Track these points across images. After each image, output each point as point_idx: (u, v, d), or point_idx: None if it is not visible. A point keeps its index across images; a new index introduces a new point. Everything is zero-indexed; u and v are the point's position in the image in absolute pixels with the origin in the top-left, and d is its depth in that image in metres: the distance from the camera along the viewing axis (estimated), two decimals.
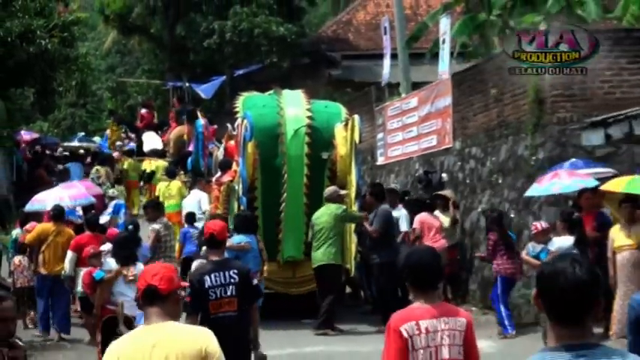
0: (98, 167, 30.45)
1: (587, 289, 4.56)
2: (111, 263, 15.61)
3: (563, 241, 14.87)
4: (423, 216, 20.27)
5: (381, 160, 29.00)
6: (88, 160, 36.17)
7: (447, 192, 21.45)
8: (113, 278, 15.14)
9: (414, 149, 26.29)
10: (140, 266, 15.12)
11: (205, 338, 6.62)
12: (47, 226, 19.50)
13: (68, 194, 21.95)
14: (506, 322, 17.57)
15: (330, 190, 18.51)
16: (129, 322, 14.56)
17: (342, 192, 18.64)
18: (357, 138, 19.47)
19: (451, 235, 20.80)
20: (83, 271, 16.33)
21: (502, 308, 17.75)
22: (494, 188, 21.49)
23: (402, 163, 27.23)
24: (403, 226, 20.03)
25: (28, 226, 20.68)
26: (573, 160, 17.86)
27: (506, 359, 14.98)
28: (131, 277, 14.79)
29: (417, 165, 25.94)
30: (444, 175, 23.40)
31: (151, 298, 6.66)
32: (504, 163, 20.98)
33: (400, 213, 20.35)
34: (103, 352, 13.80)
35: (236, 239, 17.00)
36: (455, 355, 7.05)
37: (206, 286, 10.34)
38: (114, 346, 6.65)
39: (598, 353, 4.67)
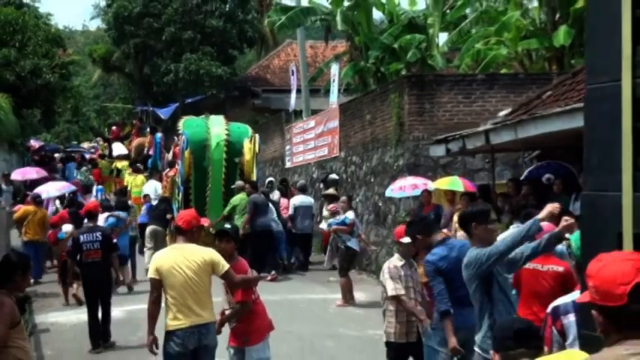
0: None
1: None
2: (68, 227, 17.54)
3: (348, 214, 16.21)
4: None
5: (288, 165, 28.80)
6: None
7: (330, 191, 21.15)
8: (69, 237, 16.61)
9: (311, 157, 26.14)
10: None
11: (212, 252, 7.90)
12: (29, 207, 20.39)
13: (56, 187, 24.14)
14: None
15: (239, 183, 19.42)
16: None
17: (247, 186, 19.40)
18: (257, 149, 20.55)
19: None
20: (49, 232, 18.64)
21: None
22: (368, 185, 21.36)
23: (303, 167, 27.05)
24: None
25: (14, 208, 21.20)
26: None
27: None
28: None
29: (314, 168, 25.78)
30: (334, 175, 23.24)
31: (177, 231, 8.15)
32: (375, 167, 20.85)
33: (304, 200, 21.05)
34: (60, 278, 16.50)
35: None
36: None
37: (81, 241, 12.58)
38: (158, 254, 8.28)
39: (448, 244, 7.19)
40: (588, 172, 4.72)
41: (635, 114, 4.08)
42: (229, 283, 8.03)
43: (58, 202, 23.54)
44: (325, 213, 20.15)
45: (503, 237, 6.64)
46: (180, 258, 7.86)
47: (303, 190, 21.50)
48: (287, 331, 12.50)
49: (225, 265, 7.84)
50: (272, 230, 19.14)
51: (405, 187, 17.19)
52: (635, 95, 4.11)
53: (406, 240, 8.47)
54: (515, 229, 6.51)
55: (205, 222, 8.79)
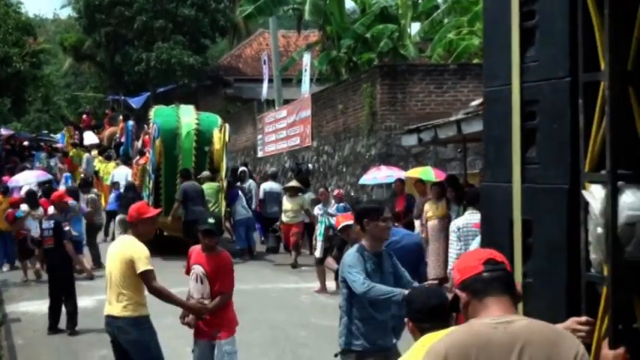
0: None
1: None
2: (25, 207, 18.11)
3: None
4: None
5: (260, 154, 28.77)
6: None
7: (292, 183, 21.02)
8: (26, 216, 17.86)
9: (283, 147, 26.12)
10: (40, 209, 17.78)
11: (135, 249, 7.62)
12: None
13: (34, 175, 24.76)
14: None
15: (205, 173, 19.56)
16: (33, 240, 17.11)
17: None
18: (227, 138, 20.48)
19: (297, 215, 19.58)
20: (8, 211, 18.45)
21: None
22: (340, 175, 21.38)
23: (275, 157, 27.03)
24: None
25: None
26: None
27: None
28: (36, 216, 17.27)
29: (286, 158, 25.77)
30: (310, 165, 23.25)
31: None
32: (347, 157, 20.88)
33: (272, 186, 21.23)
34: (19, 255, 18.24)
35: None
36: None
37: (43, 228, 13.51)
38: (110, 245, 8.26)
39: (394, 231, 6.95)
40: (486, 165, 5.25)
41: (523, 114, 4.57)
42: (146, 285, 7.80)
43: (32, 186, 23.53)
44: (288, 206, 19.56)
45: (379, 288, 6.57)
46: (113, 250, 7.94)
47: (273, 177, 21.94)
48: (259, 319, 12.58)
49: (142, 267, 7.57)
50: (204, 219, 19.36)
51: (378, 176, 17.29)
52: (522, 98, 4.58)
53: (344, 224, 8.55)
54: (385, 288, 6.53)
55: (156, 211, 8.47)
